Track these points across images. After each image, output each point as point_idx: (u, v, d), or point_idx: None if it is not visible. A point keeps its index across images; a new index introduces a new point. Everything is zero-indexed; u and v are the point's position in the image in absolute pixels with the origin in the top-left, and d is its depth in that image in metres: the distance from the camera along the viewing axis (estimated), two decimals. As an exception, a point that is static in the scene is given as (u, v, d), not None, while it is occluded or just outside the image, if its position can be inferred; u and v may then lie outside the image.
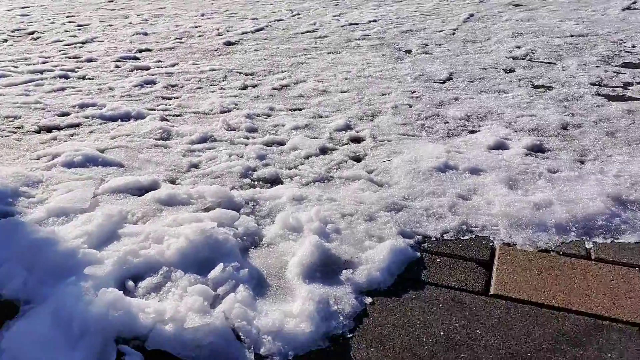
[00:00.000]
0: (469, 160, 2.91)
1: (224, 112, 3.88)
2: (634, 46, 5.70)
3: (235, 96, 4.26)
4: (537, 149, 3.12)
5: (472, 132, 3.43)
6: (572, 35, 6.26)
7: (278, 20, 7.65)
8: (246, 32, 6.91)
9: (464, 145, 3.18)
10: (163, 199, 2.50)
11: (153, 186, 2.64)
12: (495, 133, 3.33)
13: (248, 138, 3.35)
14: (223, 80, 4.72)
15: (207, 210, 2.39)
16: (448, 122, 3.59)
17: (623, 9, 7.80)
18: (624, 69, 4.83)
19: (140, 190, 2.62)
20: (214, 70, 5.04)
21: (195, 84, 4.62)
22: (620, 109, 3.78)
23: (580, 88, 4.27)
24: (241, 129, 3.49)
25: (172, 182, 2.77)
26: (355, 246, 2.16)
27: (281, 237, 2.23)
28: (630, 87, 4.31)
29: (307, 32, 6.89)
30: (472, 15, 7.73)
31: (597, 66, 4.93)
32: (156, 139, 3.33)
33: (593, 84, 4.39)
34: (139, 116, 3.76)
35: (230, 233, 2.14)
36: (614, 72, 4.74)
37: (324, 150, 3.16)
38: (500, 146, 3.15)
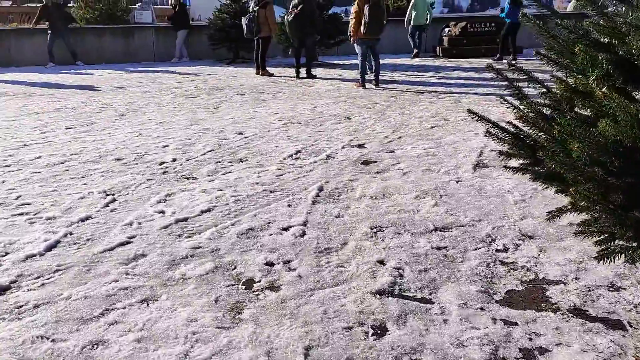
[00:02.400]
0: None
1: None
2: (506, 248, 4.99)
3: None
4: None
5: None
6: (436, 229, 5.45)
7: (84, 220, 5.96)
8: (32, 256, 5.12)
9: None
10: None
11: None
12: None
13: None
14: None
15: None
16: None
17: (474, 168, 7.42)
18: (513, 312, 3.94)
19: None
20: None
21: None
22: None
23: (475, 377, 3.22)
24: None
25: None
26: None
27: None
28: (532, 365, 3.36)
29: (118, 246, 5.30)
30: (321, 189, 6.77)
31: (481, 308, 4.00)
32: None
33: (488, 364, 3.37)
34: None
35: None
36: (503, 320, 3.83)
37: None
38: None
